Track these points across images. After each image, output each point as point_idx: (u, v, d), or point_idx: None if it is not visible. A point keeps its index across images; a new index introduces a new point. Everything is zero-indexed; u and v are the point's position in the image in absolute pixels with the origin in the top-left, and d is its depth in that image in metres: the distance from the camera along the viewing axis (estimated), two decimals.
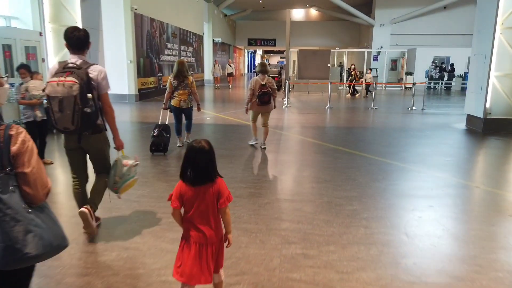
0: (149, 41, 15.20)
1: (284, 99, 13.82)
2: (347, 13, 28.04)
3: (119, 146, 3.42)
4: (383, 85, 22.38)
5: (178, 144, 6.88)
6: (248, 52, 50.57)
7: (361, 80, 18.91)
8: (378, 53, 26.73)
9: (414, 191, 4.83)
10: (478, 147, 7.66)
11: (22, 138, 1.59)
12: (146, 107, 12.81)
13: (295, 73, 21.23)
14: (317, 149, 7.00)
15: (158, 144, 6.21)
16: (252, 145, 7.08)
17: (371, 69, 20.17)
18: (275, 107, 6.74)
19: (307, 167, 5.88)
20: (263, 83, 6.40)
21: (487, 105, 8.68)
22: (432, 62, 22.37)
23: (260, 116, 6.77)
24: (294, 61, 23.46)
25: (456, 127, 9.47)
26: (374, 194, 4.63)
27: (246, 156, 6.43)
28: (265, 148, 6.85)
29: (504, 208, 4.29)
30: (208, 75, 25.45)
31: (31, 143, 1.63)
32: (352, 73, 18.72)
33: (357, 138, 8.09)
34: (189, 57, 20.98)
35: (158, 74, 16.24)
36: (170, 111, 6.71)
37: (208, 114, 11.16)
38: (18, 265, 1.54)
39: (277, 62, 50.77)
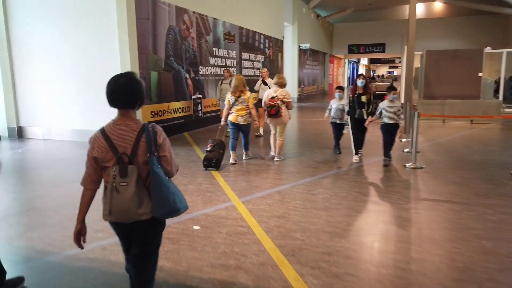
0: (174, 43, 9.41)
1: (407, 143, 6.68)
2: (490, 2, 19.20)
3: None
4: None
5: (230, 161, 6.39)
6: (349, 62, 42.86)
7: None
8: None
9: None
10: None
11: (163, 133, 2.17)
12: None
13: (419, 89, 13.28)
14: None
15: (210, 159, 6.06)
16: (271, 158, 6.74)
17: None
18: (290, 118, 6.55)
19: None
20: (274, 95, 6.32)
21: None
22: None
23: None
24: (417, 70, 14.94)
25: None
26: None
27: None
28: (277, 160, 6.56)
29: None
30: (293, 91, 19.10)
31: (166, 137, 2.20)
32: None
33: None
34: (258, 68, 14.84)
35: (195, 96, 10.37)
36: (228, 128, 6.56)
37: (217, 204, 4.73)
38: (170, 215, 2.15)
39: (388, 74, 41.46)
